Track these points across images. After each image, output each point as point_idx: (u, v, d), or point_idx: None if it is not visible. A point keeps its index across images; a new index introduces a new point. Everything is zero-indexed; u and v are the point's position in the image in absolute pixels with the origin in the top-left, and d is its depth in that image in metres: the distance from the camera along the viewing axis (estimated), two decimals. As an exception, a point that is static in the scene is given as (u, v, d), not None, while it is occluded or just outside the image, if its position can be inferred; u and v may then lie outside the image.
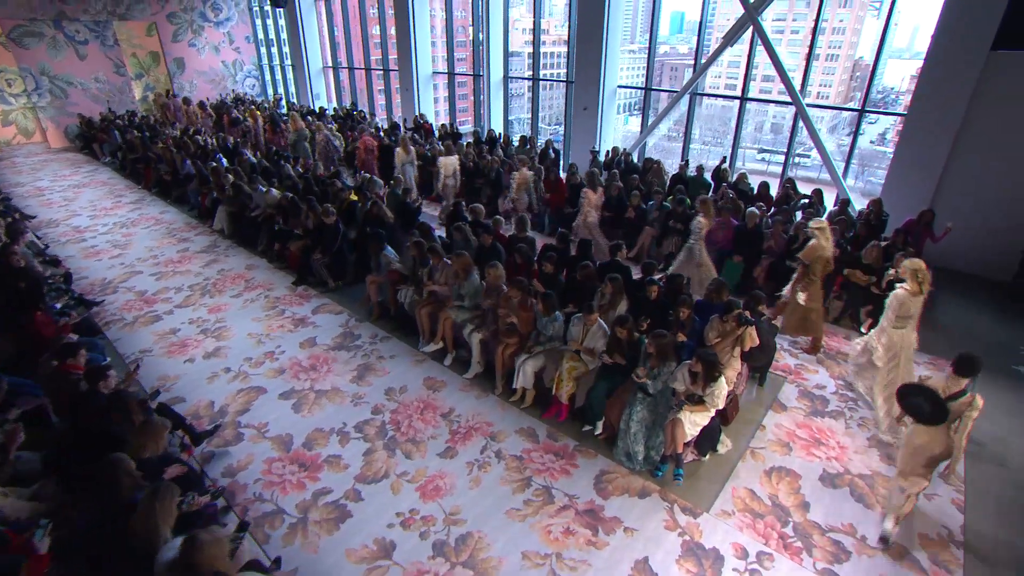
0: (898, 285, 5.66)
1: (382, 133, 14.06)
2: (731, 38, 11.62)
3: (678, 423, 5.10)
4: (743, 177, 10.01)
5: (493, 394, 6.26)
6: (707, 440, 5.44)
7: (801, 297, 6.68)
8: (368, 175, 9.87)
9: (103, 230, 10.96)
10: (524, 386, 6.08)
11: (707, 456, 5.51)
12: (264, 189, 9.80)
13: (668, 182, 10.50)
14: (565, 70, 14.51)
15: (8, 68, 17.37)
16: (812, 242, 6.51)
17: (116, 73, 19.24)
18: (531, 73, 15.33)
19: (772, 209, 9.19)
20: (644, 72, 13.18)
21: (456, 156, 11.45)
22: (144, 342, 7.18)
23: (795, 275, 6.82)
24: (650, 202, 9.58)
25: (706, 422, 5.26)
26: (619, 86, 13.48)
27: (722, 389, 5.11)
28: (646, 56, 13.10)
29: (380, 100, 19.91)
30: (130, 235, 10.60)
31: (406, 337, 7.22)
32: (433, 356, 6.87)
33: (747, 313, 5.70)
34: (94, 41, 18.51)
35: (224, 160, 12.23)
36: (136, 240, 10.36)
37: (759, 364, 6.46)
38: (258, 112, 16.64)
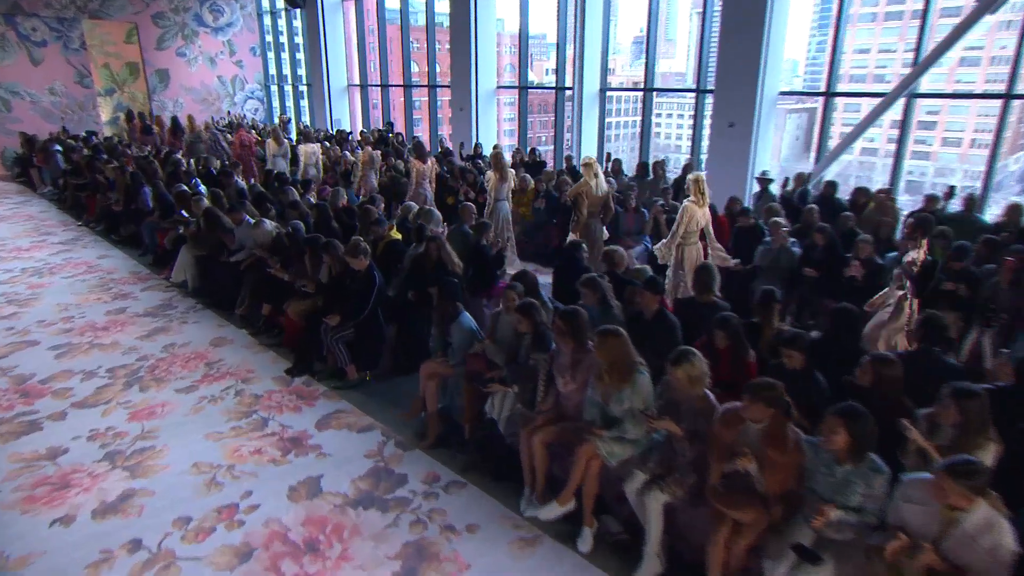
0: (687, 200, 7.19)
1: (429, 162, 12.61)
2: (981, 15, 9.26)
3: None
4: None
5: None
6: None
7: (572, 239, 7.94)
8: (427, 208, 8.16)
9: (2, 279, 9.18)
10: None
11: None
12: (252, 221, 7.94)
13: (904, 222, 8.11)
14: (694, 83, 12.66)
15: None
16: (581, 180, 8.29)
17: (79, 84, 18.26)
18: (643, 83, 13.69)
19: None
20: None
21: (318, 144, 13.21)
22: (-10, 477, 4.80)
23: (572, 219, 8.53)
24: (890, 254, 7.13)
25: None
26: (783, 92, 11.55)
27: None
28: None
29: (423, 124, 19.24)
30: (41, 287, 8.94)
31: (495, 486, 4.78)
32: (554, 530, 4.33)
33: None
34: (55, 42, 17.59)
35: (203, 188, 10.53)
36: (48, 294, 8.66)
37: None
38: (166, 120, 18.37)
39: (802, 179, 9.36)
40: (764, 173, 9.55)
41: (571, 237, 8.25)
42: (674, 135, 46.28)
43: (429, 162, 10.45)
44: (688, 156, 13.17)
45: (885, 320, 5.97)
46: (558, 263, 7.01)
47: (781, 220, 7.55)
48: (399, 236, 7.39)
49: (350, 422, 5.59)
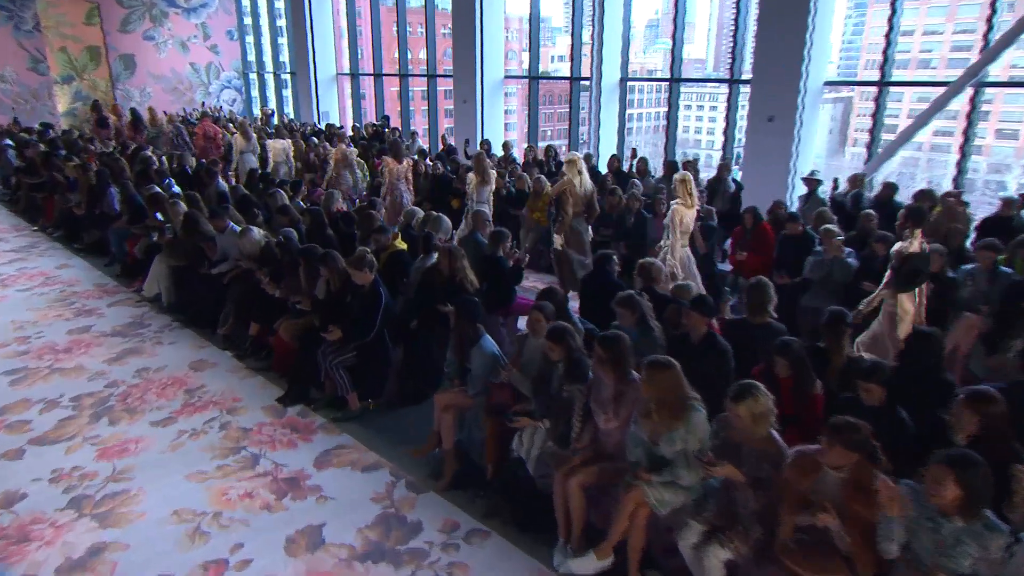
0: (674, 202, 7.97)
1: (429, 161, 13.02)
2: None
3: None
4: None
5: None
6: None
7: (557, 240, 8.84)
8: (436, 214, 8.15)
9: (-56, 292, 9.29)
10: None
11: None
12: (238, 229, 7.93)
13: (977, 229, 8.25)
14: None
15: None
16: (564, 178, 8.86)
17: (33, 70, 18.31)
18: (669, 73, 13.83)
19: None
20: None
21: (289, 141, 13.92)
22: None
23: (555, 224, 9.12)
24: (964, 266, 6.98)
25: None
26: (829, 82, 11.61)
27: None
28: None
29: (415, 117, 19.40)
30: (-7, 300, 8.95)
31: (523, 535, 4.70)
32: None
33: None
34: (5, 24, 17.65)
35: (177, 189, 10.75)
36: (0, 310, 8.67)
37: None
38: (123, 111, 18.96)
39: (857, 181, 9.24)
40: (812, 173, 9.49)
41: (556, 239, 8.92)
42: (693, 128, 46.44)
43: (405, 162, 10.95)
44: (720, 152, 13.21)
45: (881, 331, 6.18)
46: (586, 277, 6.93)
47: (834, 228, 7.45)
48: (404, 246, 7.34)
49: (353, 459, 5.50)
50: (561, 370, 4.73)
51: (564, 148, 16.10)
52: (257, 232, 7.67)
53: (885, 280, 6.18)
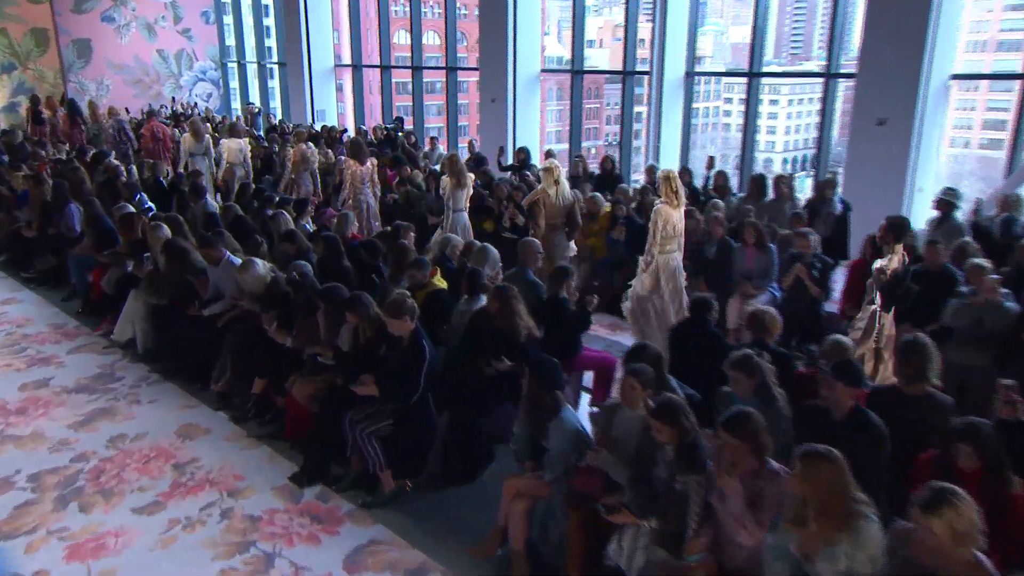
0: (659, 201, 8.56)
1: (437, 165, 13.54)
2: None
3: None
4: None
5: None
6: None
7: None
8: (479, 243, 8.54)
9: None
10: None
11: None
12: (238, 261, 7.86)
13: None
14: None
15: None
16: (538, 188, 9.83)
17: None
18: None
19: None
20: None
21: (246, 140, 14.50)
22: None
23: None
24: None
25: None
26: (955, 76, 11.63)
27: None
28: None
29: (433, 117, 19.69)
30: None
31: None
32: None
33: None
34: None
35: (151, 205, 10.92)
36: None
37: None
38: (59, 104, 19.12)
39: (1009, 202, 9.00)
40: (948, 192, 9.24)
41: None
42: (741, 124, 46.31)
43: (368, 163, 11.73)
44: (781, 154, 13.26)
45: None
46: (677, 327, 6.80)
47: (985, 263, 7.24)
48: (444, 284, 7.32)
49: (393, 559, 5.33)
50: (670, 455, 4.52)
51: (615, 152, 16.18)
52: (262, 265, 7.60)
53: (878, 300, 7.10)
